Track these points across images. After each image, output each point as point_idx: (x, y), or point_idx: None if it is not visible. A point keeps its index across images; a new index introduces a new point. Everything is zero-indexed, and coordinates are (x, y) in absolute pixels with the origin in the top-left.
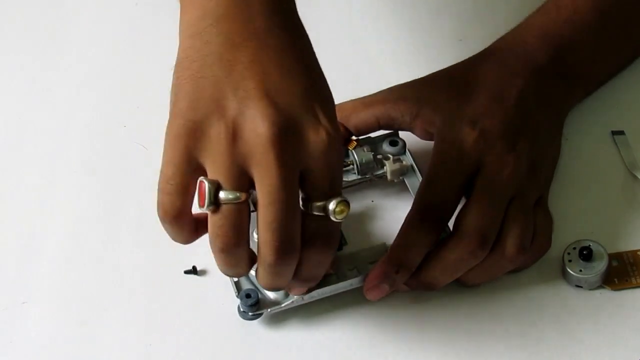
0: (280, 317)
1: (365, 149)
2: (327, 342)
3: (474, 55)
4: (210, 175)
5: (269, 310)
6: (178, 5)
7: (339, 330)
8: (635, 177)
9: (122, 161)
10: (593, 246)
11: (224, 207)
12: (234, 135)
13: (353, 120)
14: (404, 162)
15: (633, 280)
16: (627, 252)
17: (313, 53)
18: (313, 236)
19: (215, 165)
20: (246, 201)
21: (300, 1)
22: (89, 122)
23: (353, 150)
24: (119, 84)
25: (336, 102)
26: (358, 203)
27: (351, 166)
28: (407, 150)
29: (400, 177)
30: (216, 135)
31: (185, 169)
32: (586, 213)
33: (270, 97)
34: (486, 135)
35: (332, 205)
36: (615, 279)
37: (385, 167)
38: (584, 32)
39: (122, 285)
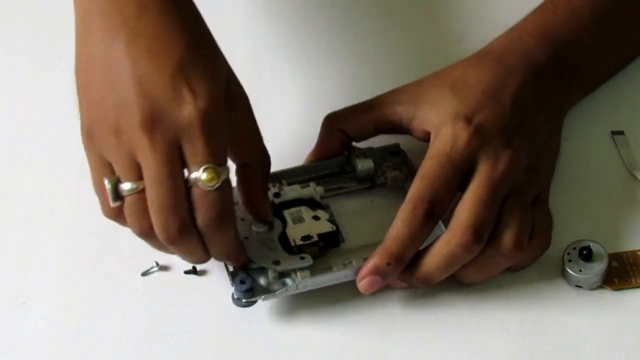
0: (280, 317)
1: (365, 156)
2: (325, 341)
3: (471, 56)
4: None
5: (262, 297)
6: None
7: (338, 330)
8: (635, 177)
9: None
10: (593, 246)
11: (127, 199)
12: (116, 130)
13: (352, 126)
14: (404, 171)
15: (633, 280)
16: (627, 252)
17: (195, 26)
18: (197, 210)
19: (113, 161)
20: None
21: (300, 2)
22: None
23: (354, 158)
24: None
25: (336, 103)
26: (358, 203)
27: (351, 173)
28: (407, 160)
29: (400, 185)
30: (106, 135)
31: (102, 174)
32: (586, 213)
33: (140, 85)
34: (482, 131)
35: (197, 174)
36: (615, 279)
37: (385, 175)
38: (582, 31)
39: (122, 285)
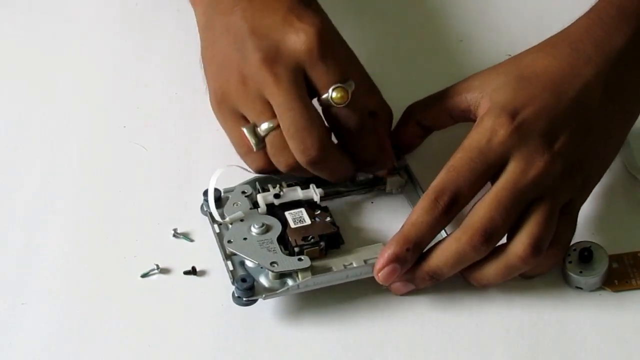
0: (280, 318)
1: None
2: (326, 343)
3: (548, 38)
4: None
5: (263, 296)
6: (178, 6)
7: (338, 332)
8: (635, 178)
9: (122, 161)
10: (593, 248)
11: (268, 140)
12: (244, 79)
13: (426, 116)
14: (403, 175)
15: (633, 282)
16: (627, 254)
17: None
18: (337, 127)
19: (246, 111)
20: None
21: None
22: (89, 122)
23: None
24: (119, 84)
25: None
26: (357, 204)
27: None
28: (407, 166)
29: (399, 189)
30: (234, 88)
31: (240, 129)
32: (586, 214)
33: (254, 32)
34: (523, 130)
35: (327, 95)
36: (616, 281)
37: (384, 179)
38: None
39: (121, 285)
